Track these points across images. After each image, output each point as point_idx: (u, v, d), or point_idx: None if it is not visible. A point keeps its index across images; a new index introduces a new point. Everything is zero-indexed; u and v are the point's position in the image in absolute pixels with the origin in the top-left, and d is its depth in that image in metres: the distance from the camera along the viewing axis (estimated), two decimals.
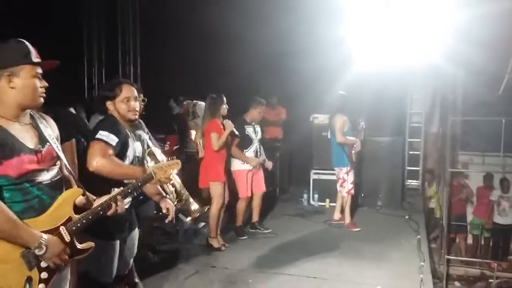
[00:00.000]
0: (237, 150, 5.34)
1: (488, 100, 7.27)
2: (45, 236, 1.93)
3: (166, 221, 2.89)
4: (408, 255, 5.00)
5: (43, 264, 1.95)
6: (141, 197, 3.39)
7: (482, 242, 7.55)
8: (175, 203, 2.90)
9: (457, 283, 6.58)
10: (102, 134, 2.69)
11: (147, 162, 3.10)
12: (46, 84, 2.03)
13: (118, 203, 2.22)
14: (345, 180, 5.93)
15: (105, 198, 2.21)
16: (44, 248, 1.90)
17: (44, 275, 1.95)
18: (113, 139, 2.67)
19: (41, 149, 2.02)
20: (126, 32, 8.00)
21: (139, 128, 4.25)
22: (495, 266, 6.58)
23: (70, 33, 7.26)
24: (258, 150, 5.50)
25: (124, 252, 2.97)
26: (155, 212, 4.73)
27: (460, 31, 6.38)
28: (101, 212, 2.15)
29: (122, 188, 2.30)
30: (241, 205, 5.48)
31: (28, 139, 2.00)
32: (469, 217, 7.83)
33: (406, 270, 4.58)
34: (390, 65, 6.59)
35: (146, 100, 4.17)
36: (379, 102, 6.89)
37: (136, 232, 3.07)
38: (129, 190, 2.33)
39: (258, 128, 5.55)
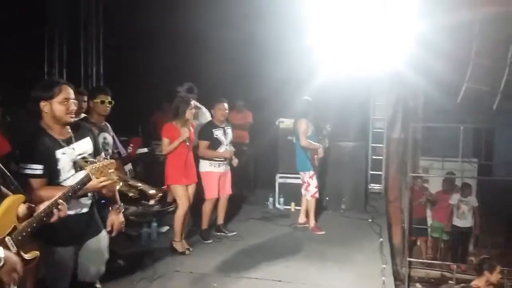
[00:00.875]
0: (208, 151, 5.31)
1: (448, 107, 7.52)
2: (1, 250, 1.84)
3: (112, 234, 2.86)
4: (371, 258, 5.10)
5: None
6: (102, 200, 3.31)
7: (442, 245, 7.77)
8: (131, 194, 2.85)
9: (418, 285, 6.75)
10: (24, 168, 2.56)
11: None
12: None
13: (60, 207, 2.16)
14: (309, 184, 5.99)
15: (46, 203, 2.14)
16: (2, 261, 1.81)
17: None
18: (36, 168, 2.55)
19: None
20: (89, 31, 7.81)
21: (104, 131, 4.19)
22: (454, 268, 6.78)
23: (31, 32, 7.04)
24: (231, 152, 5.48)
25: (85, 257, 2.87)
26: None
27: (421, 40, 6.59)
28: (44, 218, 2.09)
29: (62, 191, 2.25)
30: (207, 207, 5.44)
31: None
32: (429, 221, 8.06)
33: (368, 272, 4.67)
34: (354, 72, 6.74)
35: (113, 102, 4.12)
36: (343, 108, 7.03)
37: (102, 236, 2.96)
38: (69, 193, 2.28)
39: (228, 130, 5.51)
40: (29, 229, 2.00)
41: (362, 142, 7.43)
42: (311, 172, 5.97)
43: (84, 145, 2.79)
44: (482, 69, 6.99)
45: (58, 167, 2.64)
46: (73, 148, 2.71)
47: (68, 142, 2.70)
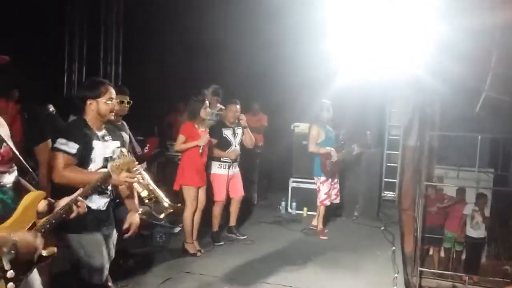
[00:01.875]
0: (215, 150, 5.33)
1: (465, 116, 7.41)
2: (14, 235, 1.85)
3: (125, 236, 2.90)
4: (383, 266, 5.06)
5: (9, 275, 1.89)
6: (117, 200, 3.35)
7: (454, 256, 7.66)
8: (146, 201, 2.89)
9: None
10: (61, 143, 2.71)
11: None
12: None
13: (79, 203, 2.18)
14: (319, 190, 5.99)
15: (66, 200, 2.16)
16: (14, 253, 1.82)
17: (11, 285, 1.90)
18: (72, 147, 2.69)
19: (1, 150, 1.96)
20: (109, 30, 7.90)
21: (122, 130, 4.23)
22: (466, 279, 6.68)
23: (51, 29, 7.13)
24: (237, 153, 5.47)
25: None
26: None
27: (440, 46, 6.51)
28: (63, 215, 2.11)
29: (81, 189, 2.28)
30: (216, 210, 5.46)
31: None
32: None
33: (380, 280, 4.63)
34: (372, 78, 6.68)
35: (131, 102, 4.15)
36: (360, 114, 6.99)
37: (114, 234, 3.04)
38: (89, 191, 2.31)
39: (238, 131, 5.51)
40: (48, 225, 2.02)
41: (378, 149, 7.38)
42: (322, 178, 5.95)
43: (114, 147, 2.92)
44: (502, 79, 6.86)
45: (92, 156, 2.79)
46: (107, 147, 2.87)
47: (103, 138, 2.87)
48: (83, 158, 2.75)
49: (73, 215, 2.15)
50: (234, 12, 7.20)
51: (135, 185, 2.82)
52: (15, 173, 2.03)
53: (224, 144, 5.40)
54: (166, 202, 2.94)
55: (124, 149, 2.88)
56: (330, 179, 6.00)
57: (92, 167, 2.80)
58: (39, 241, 1.90)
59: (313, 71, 6.82)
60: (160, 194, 2.94)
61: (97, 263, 2.82)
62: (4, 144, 1.99)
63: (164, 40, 8.02)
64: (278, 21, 6.78)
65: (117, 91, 4.16)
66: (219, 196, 5.40)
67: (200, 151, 4.90)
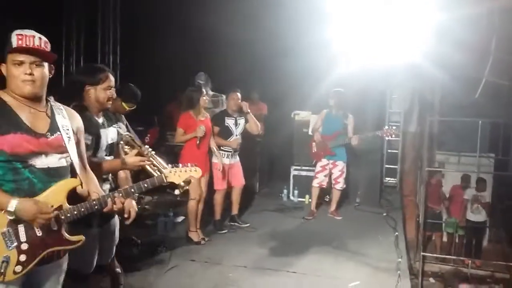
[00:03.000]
0: (217, 138, 5.35)
1: (465, 101, 7.41)
2: (15, 199, 1.94)
3: (126, 223, 2.85)
4: (386, 251, 5.09)
5: (23, 247, 1.97)
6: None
7: (457, 240, 7.71)
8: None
9: (431, 279, 6.70)
10: None
11: (123, 150, 3.03)
12: (30, 71, 2.01)
13: (116, 200, 2.21)
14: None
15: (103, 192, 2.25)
16: (14, 204, 1.92)
17: (22, 257, 1.97)
18: (87, 138, 2.64)
19: (49, 136, 2.06)
20: (106, 23, 7.84)
21: (119, 120, 4.22)
22: (469, 263, 6.73)
23: (48, 20, 7.08)
24: (238, 142, 5.47)
25: (104, 240, 2.93)
26: None
27: (439, 32, 6.48)
28: (96, 207, 2.16)
29: (126, 187, 2.31)
30: (217, 198, 5.48)
31: (36, 124, 2.05)
32: (444, 216, 7.99)
33: (384, 266, 4.66)
34: (371, 65, 6.67)
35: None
36: (360, 101, 6.97)
37: (116, 220, 3.04)
38: (132, 190, 2.30)
39: (241, 121, 5.51)
40: (75, 212, 2.10)
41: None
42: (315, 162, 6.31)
43: (112, 134, 2.90)
44: (502, 64, 6.85)
45: (100, 144, 2.77)
46: (106, 134, 2.84)
47: (103, 125, 2.84)
48: (93, 147, 2.74)
49: (107, 208, 2.20)
50: (236, 2, 7.16)
51: (148, 168, 2.81)
52: (54, 160, 2.08)
53: (225, 133, 5.41)
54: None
55: (130, 133, 2.85)
56: (318, 161, 6.26)
57: (98, 155, 2.78)
58: (38, 206, 1.97)
59: (314, 59, 6.81)
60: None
61: (84, 256, 2.78)
62: (58, 132, 2.10)
63: (163, 30, 7.98)
64: (278, 9, 6.76)
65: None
66: (219, 184, 5.41)
67: (198, 142, 4.90)
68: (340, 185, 6.27)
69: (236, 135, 5.45)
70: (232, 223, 5.75)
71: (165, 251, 4.79)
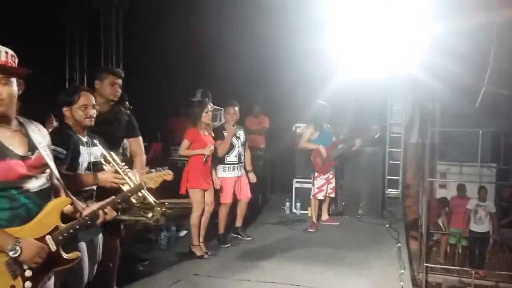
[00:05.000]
0: (219, 149, 5.35)
1: (466, 112, 7.45)
2: (18, 239, 1.89)
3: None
4: (389, 263, 5.07)
5: (27, 274, 1.93)
6: None
7: (460, 251, 7.69)
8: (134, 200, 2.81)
9: None
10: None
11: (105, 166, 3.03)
12: (7, 90, 1.91)
13: (106, 211, 2.22)
14: (313, 184, 6.33)
15: (94, 207, 2.21)
16: (19, 249, 1.86)
17: (28, 284, 1.93)
18: (61, 152, 2.67)
19: (30, 156, 2.00)
20: (108, 38, 7.95)
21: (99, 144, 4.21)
22: (472, 273, 6.71)
23: (52, 40, 7.19)
24: (241, 154, 5.51)
25: (90, 256, 2.93)
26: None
27: (438, 43, 6.54)
28: (89, 222, 2.16)
29: (112, 197, 2.31)
30: (222, 212, 5.50)
31: (16, 145, 1.97)
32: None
33: (387, 277, 4.65)
34: (371, 76, 6.73)
35: (131, 107, 4.20)
36: (361, 112, 7.03)
37: (100, 237, 3.02)
38: (118, 200, 2.33)
39: (241, 133, 5.54)
40: (71, 230, 2.06)
41: (379, 147, 7.41)
42: (315, 174, 6.29)
43: (96, 153, 2.90)
44: (501, 74, 6.90)
45: (79, 160, 2.79)
46: (89, 153, 2.86)
47: (87, 144, 2.87)
48: (71, 163, 2.75)
49: (99, 221, 2.20)
50: (232, 13, 7.24)
51: (123, 187, 2.77)
52: (43, 180, 2.05)
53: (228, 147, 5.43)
54: (152, 200, 2.78)
55: (112, 153, 2.82)
56: (323, 175, 6.26)
57: (80, 171, 2.78)
58: (42, 245, 1.94)
59: (313, 71, 6.87)
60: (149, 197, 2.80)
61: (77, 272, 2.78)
62: (37, 151, 2.03)
63: (163, 45, 8.06)
64: (277, 20, 6.83)
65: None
66: (225, 198, 5.43)
67: (204, 159, 4.94)
68: (333, 193, 6.49)
69: (238, 148, 5.48)
70: (235, 235, 5.76)
71: (168, 266, 4.80)
